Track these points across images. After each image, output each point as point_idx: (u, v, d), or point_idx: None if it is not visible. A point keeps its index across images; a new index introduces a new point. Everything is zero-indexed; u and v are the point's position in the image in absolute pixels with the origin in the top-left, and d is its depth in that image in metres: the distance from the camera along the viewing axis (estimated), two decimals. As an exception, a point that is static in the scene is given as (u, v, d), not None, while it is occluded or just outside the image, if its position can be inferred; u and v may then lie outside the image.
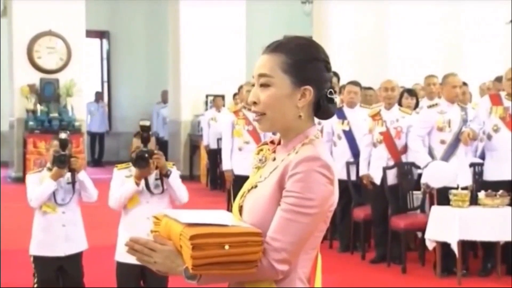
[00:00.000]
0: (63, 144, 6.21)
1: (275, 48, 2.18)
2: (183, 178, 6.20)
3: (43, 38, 13.95)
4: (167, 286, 5.76)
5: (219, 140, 11.06)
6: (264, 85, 2.16)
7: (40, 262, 6.15)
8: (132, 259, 5.79)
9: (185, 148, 15.20)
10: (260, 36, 16.21)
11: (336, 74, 9.05)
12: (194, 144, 15.04)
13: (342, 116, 8.21)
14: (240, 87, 10.30)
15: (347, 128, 8.20)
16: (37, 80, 13.92)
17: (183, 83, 15.08)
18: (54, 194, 6.09)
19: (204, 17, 14.74)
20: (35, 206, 6.13)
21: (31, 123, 13.69)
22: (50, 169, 6.11)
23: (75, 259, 6.22)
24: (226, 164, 8.09)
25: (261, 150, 2.30)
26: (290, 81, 2.15)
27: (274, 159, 2.22)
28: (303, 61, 2.16)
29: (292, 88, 2.15)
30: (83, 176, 6.18)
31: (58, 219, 6.12)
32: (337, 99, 2.24)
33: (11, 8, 14.17)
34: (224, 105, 13.30)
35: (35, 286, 6.20)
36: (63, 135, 6.26)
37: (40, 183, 6.09)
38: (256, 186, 2.21)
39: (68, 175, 6.09)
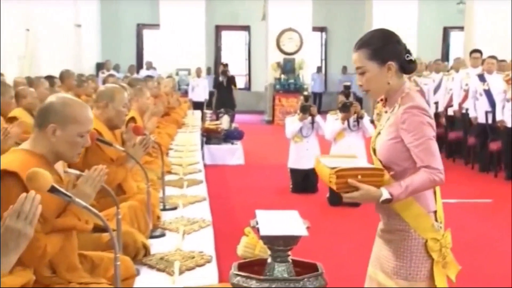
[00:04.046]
0: (306, 98, 6.52)
1: (359, 45, 2.00)
2: (371, 121, 5.88)
3: (286, 32, 13.91)
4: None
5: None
6: (361, 73, 2.00)
7: (293, 172, 6.30)
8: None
9: (373, 102, 14.66)
10: (428, 29, 15.26)
11: (479, 51, 8.14)
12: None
13: (483, 79, 7.37)
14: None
15: (486, 88, 7.34)
16: (281, 59, 13.96)
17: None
18: (301, 130, 6.16)
19: (389, 18, 13.83)
20: (290, 137, 6.25)
21: (277, 86, 13.82)
22: (298, 114, 6.18)
23: (313, 171, 6.22)
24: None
25: (376, 108, 2.11)
26: (376, 64, 1.97)
27: (386, 111, 2.05)
28: (380, 47, 1.97)
29: (379, 68, 1.97)
30: (319, 119, 6.18)
31: (303, 146, 6.20)
32: (414, 58, 1.99)
33: (267, 15, 14.30)
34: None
35: (291, 186, 6.35)
36: (306, 93, 6.41)
37: (293, 123, 6.19)
38: (379, 133, 2.04)
39: (309, 118, 6.12)
